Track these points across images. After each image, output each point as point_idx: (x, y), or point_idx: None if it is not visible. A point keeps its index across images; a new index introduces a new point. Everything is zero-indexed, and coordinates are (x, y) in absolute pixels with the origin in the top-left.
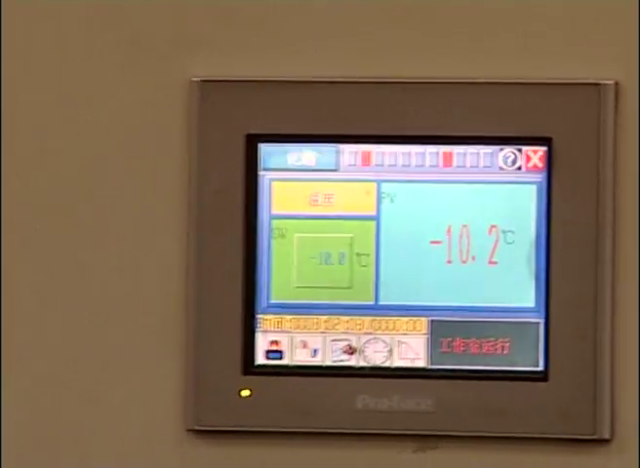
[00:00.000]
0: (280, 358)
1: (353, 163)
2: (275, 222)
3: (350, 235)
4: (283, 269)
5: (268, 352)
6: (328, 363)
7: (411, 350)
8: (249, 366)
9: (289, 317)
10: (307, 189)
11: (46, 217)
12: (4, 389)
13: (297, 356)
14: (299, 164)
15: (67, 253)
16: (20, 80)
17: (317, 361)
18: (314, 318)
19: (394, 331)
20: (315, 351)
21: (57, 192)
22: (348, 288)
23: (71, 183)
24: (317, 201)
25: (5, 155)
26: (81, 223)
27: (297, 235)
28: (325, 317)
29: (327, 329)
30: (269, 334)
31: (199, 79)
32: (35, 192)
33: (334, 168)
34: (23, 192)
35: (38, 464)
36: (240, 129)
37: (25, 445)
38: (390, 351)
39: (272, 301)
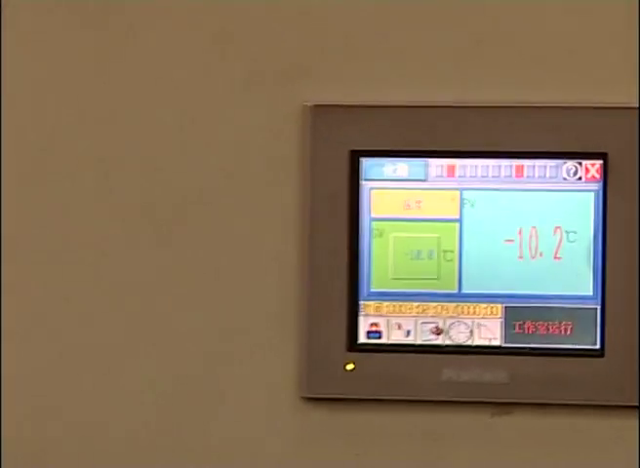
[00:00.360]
0: (379, 337)
1: (440, 174)
2: (374, 224)
3: (437, 235)
4: (381, 263)
5: (369, 332)
6: (419, 342)
7: (488, 331)
8: (353, 344)
9: (386, 303)
10: (401, 196)
11: (183, 222)
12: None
13: (392, 336)
14: (394, 175)
15: (208, 249)
16: (141, 105)
17: (409, 340)
18: (407, 304)
19: (474, 316)
20: (408, 332)
21: (194, 202)
22: (436, 279)
23: (206, 194)
24: (409, 206)
25: (126, 178)
26: (215, 226)
27: (392, 235)
28: (416, 303)
29: (418, 313)
30: (370, 318)
31: (311, 104)
32: (170, 205)
33: (423, 178)
34: (157, 206)
35: (171, 433)
36: (345, 146)
37: (141, 413)
38: (471, 332)
39: (372, 290)
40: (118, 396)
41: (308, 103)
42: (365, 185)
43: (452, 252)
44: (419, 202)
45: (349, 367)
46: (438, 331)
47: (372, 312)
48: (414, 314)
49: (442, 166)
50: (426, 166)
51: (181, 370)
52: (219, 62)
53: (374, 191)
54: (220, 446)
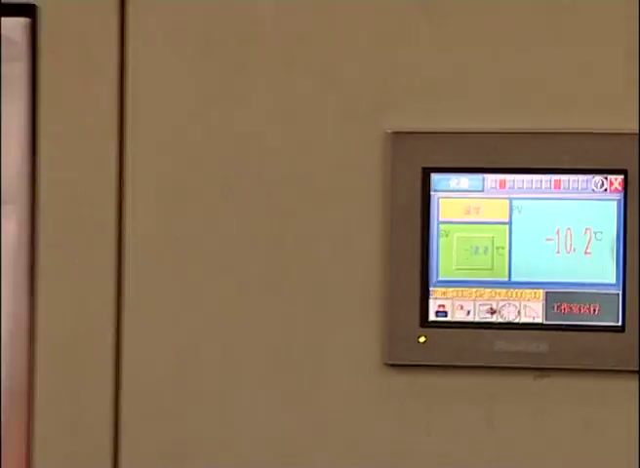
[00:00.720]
0: (445, 316)
1: (494, 186)
2: (442, 226)
3: (491, 235)
4: (447, 257)
5: (437, 312)
6: (476, 319)
7: (532, 311)
8: (424, 321)
9: (451, 289)
10: (463, 204)
11: (294, 224)
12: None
13: (456, 315)
14: (457, 187)
15: (316, 250)
16: (259, 129)
17: (469, 318)
18: (467, 290)
19: (521, 299)
20: (468, 311)
21: (300, 209)
22: (490, 269)
23: (310, 204)
24: (469, 211)
25: (245, 187)
26: (319, 229)
27: (456, 234)
28: (474, 289)
29: (476, 297)
30: (438, 301)
31: (391, 131)
32: (282, 211)
33: (480, 189)
34: (270, 210)
35: (280, 388)
36: (418, 164)
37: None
38: (519, 312)
39: (440, 279)
40: (238, 358)
41: (389, 130)
42: (434, 195)
43: (503, 248)
44: (477, 208)
45: (422, 339)
46: (492, 311)
47: (439, 296)
48: (473, 298)
49: (495, 180)
50: (483, 180)
51: (291, 341)
52: (320, 96)
53: (441, 200)
54: (321, 401)
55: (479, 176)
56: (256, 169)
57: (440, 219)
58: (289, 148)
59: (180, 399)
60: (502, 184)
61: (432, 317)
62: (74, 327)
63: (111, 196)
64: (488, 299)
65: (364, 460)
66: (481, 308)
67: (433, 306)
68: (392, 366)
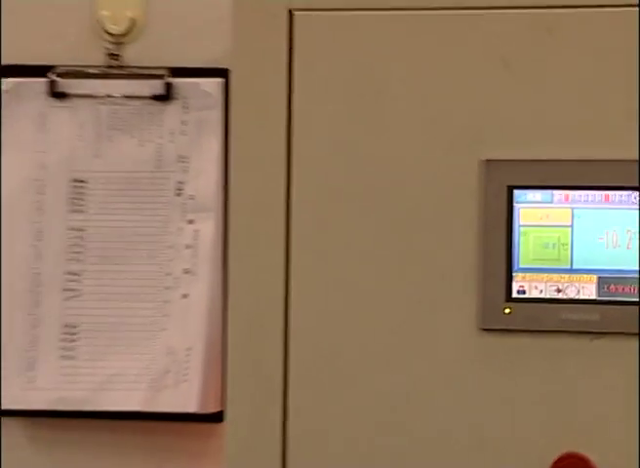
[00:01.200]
0: (524, 294)
1: (560, 199)
2: (521, 228)
3: (558, 235)
4: (525, 251)
5: (518, 291)
6: (547, 296)
7: (588, 290)
8: (509, 297)
9: (528, 274)
10: (537, 212)
11: (408, 233)
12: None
13: (532, 293)
14: (533, 199)
15: (422, 255)
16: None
17: (542, 295)
18: (540, 275)
19: (580, 281)
20: (541, 290)
21: (413, 222)
22: (557, 260)
23: (417, 220)
24: (542, 218)
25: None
26: (424, 242)
27: (532, 234)
28: (545, 274)
29: (547, 280)
30: (519, 282)
31: (485, 159)
32: (399, 222)
33: (550, 202)
34: (389, 217)
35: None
36: (504, 183)
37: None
38: (578, 291)
39: (520, 267)
40: (370, 337)
41: (483, 158)
42: (516, 206)
43: (566, 244)
44: (547, 215)
45: (507, 311)
46: (558, 290)
47: (520, 279)
48: (544, 280)
49: (561, 194)
50: (552, 195)
51: (410, 317)
52: (421, 126)
53: (521, 209)
54: (430, 359)
55: (549, 192)
56: (386, 189)
57: (520, 223)
58: (410, 173)
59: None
60: (567, 198)
61: (514, 294)
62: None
63: (280, 209)
64: (555, 282)
65: (463, 403)
66: (550, 288)
67: (515, 286)
68: (485, 330)
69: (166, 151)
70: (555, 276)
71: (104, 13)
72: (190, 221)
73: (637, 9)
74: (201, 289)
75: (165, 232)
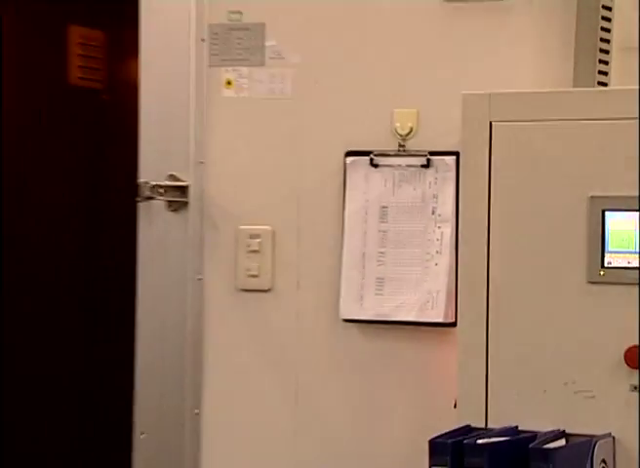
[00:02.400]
0: (610, 264)
1: (630, 216)
2: (610, 231)
3: (628, 234)
4: (611, 241)
5: (608, 263)
6: (621, 266)
7: None
8: (602, 266)
9: (613, 254)
10: (618, 222)
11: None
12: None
13: (614, 264)
14: (616, 216)
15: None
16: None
17: (619, 265)
18: (619, 255)
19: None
20: (619, 262)
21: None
22: (628, 247)
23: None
24: (620, 226)
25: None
26: (558, 247)
27: (615, 233)
28: (622, 255)
29: (622, 257)
30: (607, 259)
31: (591, 195)
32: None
33: (624, 218)
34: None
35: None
36: (599, 207)
37: None
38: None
39: (609, 250)
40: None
41: (590, 195)
42: (607, 220)
43: (632, 239)
44: (623, 224)
45: (602, 273)
46: (628, 262)
47: (608, 257)
48: (621, 257)
49: (631, 214)
50: (625, 215)
51: (546, 281)
52: (562, 187)
53: (609, 220)
54: (558, 295)
55: (624, 213)
56: (534, 216)
57: (609, 229)
58: (553, 207)
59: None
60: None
61: (606, 265)
62: None
63: (484, 223)
64: (626, 258)
65: (576, 322)
66: (624, 261)
67: (606, 260)
68: (590, 282)
69: (427, 192)
70: (627, 255)
71: (397, 124)
72: (439, 227)
73: None
74: (444, 261)
75: (426, 232)
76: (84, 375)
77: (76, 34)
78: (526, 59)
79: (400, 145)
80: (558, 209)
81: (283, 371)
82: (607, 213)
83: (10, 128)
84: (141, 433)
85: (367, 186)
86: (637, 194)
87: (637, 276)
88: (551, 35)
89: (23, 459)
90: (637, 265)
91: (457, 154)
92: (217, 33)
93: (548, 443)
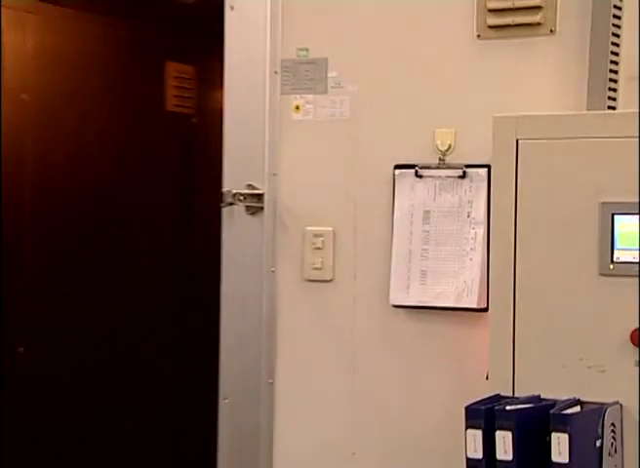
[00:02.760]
0: (619, 259)
1: (633, 219)
2: (619, 232)
3: (634, 234)
4: (620, 240)
5: (617, 258)
6: (628, 260)
7: None
8: (612, 260)
9: (622, 251)
10: (625, 225)
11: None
12: None
13: (622, 259)
14: (624, 219)
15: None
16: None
17: (626, 260)
18: (627, 251)
19: None
20: (626, 258)
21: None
22: (633, 244)
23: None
24: (626, 227)
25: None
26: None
27: (623, 234)
28: (629, 251)
29: (629, 254)
30: (616, 254)
31: (603, 201)
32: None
33: (629, 221)
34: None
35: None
36: (610, 212)
37: None
38: None
39: (617, 247)
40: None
41: (602, 200)
42: (616, 223)
43: (636, 238)
44: (628, 226)
45: (611, 267)
46: (634, 258)
47: (617, 253)
48: (628, 254)
49: (632, 217)
50: (630, 218)
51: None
52: (550, 185)
53: (618, 224)
54: (575, 283)
55: (630, 216)
56: (559, 217)
57: (618, 230)
58: (572, 215)
59: None
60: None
61: (615, 260)
62: None
63: (511, 226)
64: (631, 254)
65: (590, 311)
66: (630, 257)
67: (615, 256)
68: (601, 275)
69: (463, 199)
70: (633, 252)
71: (438, 141)
72: (473, 228)
73: None
74: (477, 256)
75: (462, 232)
76: (180, 349)
77: (172, 69)
78: (547, 87)
79: (440, 160)
80: (574, 213)
81: (341, 348)
82: (616, 216)
83: (120, 145)
84: (224, 398)
85: (412, 194)
86: (638, 200)
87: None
88: (568, 67)
89: (123, 409)
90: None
91: (488, 167)
92: (287, 67)
93: (566, 409)
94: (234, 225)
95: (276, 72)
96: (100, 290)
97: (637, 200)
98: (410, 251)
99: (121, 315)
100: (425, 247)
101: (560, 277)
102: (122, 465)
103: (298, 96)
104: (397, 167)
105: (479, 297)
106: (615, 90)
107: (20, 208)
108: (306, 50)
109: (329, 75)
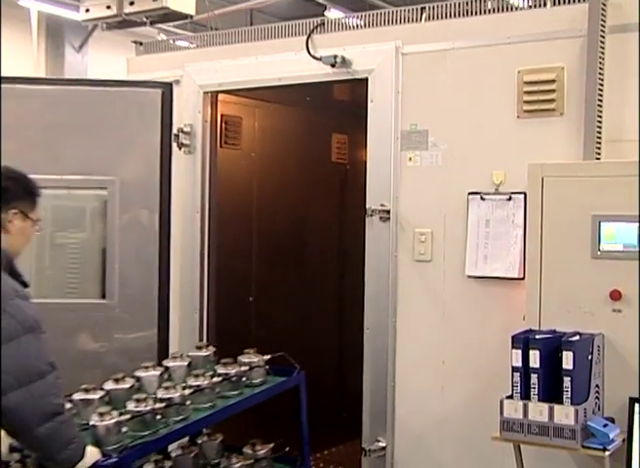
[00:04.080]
0: (605, 249)
1: (610, 223)
2: (604, 232)
3: (613, 232)
4: (604, 237)
5: (602, 249)
6: (612, 250)
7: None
8: (600, 249)
9: (605, 243)
10: (608, 227)
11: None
12: None
13: (606, 248)
14: (606, 226)
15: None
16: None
17: (609, 249)
18: (608, 244)
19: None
20: (612, 248)
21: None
22: (614, 239)
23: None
24: (608, 230)
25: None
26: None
27: (606, 233)
28: (609, 244)
29: (609, 246)
30: (602, 245)
31: (594, 213)
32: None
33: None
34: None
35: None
36: (598, 220)
37: None
38: None
39: (603, 242)
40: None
41: (592, 213)
42: (602, 227)
43: (614, 236)
44: (610, 229)
45: (599, 253)
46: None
47: (601, 245)
48: (609, 245)
49: (610, 224)
50: (610, 223)
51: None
52: (562, 205)
53: (603, 227)
54: (577, 262)
55: (612, 223)
56: (573, 227)
57: (603, 231)
58: (575, 225)
59: None
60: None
61: (601, 249)
62: None
63: (537, 228)
64: (613, 246)
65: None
66: (611, 247)
67: (602, 246)
68: (593, 258)
69: (509, 213)
70: (612, 245)
71: (494, 178)
72: (514, 229)
73: None
74: (517, 247)
75: (508, 233)
76: (341, 300)
77: (335, 139)
78: (559, 147)
79: (495, 189)
80: (576, 221)
81: (436, 303)
82: (602, 222)
83: (306, 182)
84: (367, 328)
85: (479, 210)
86: (615, 213)
87: (618, 256)
88: (571, 135)
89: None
90: (617, 249)
91: (524, 194)
92: (404, 135)
93: (570, 337)
94: (373, 228)
95: (398, 137)
96: (295, 266)
97: (615, 213)
98: (477, 243)
99: (309, 281)
100: (486, 241)
101: (568, 259)
102: (314, 351)
103: (410, 151)
104: (470, 193)
105: (519, 271)
106: (599, 148)
107: (249, 221)
108: (416, 124)
109: (429, 139)
